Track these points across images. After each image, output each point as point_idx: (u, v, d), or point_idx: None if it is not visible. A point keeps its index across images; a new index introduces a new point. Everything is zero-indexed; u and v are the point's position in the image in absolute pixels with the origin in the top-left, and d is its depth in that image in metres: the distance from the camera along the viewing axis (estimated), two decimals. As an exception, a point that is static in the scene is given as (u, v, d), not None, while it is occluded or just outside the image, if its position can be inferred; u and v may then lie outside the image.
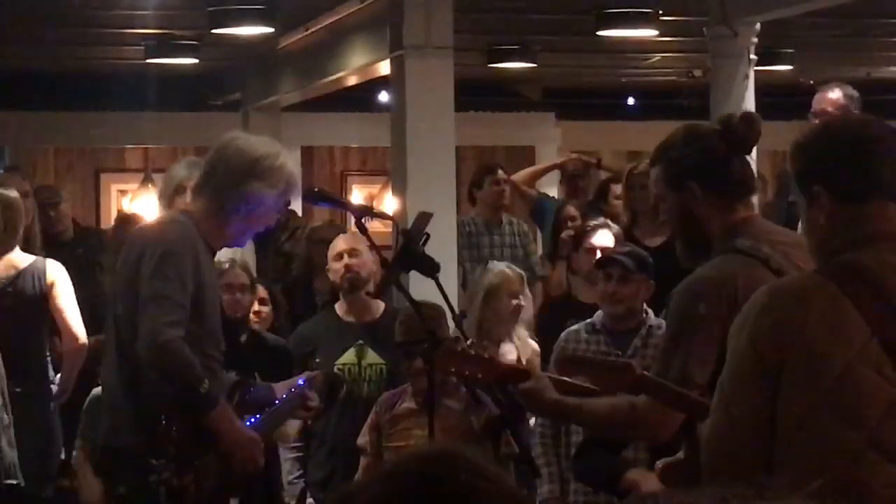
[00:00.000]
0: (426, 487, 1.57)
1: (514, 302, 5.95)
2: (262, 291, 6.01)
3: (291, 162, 4.34)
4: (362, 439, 5.19)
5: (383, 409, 5.15)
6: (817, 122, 6.15)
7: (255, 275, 6.05)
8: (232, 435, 4.11)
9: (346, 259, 5.89)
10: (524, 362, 5.67)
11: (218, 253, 6.90)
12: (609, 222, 6.52)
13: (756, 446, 2.74)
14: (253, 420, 4.30)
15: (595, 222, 6.46)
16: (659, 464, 3.26)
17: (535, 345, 6.01)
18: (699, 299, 3.26)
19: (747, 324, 2.76)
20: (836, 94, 6.46)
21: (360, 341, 5.89)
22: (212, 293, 4.22)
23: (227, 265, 5.73)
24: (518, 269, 6.25)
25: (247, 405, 4.32)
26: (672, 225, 3.53)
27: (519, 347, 5.96)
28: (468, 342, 3.80)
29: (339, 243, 6.04)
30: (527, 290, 6.14)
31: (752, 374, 2.74)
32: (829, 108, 6.36)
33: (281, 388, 4.52)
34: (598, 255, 6.25)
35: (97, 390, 5.36)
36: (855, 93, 6.50)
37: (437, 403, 4.92)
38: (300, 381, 4.54)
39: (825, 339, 2.68)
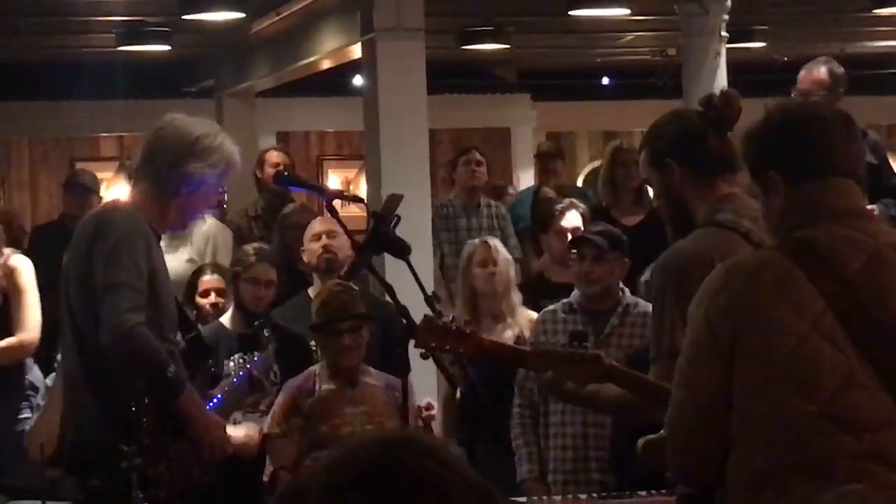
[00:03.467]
0: (383, 472, 1.55)
1: (483, 270, 5.86)
2: (218, 282, 5.95)
3: (230, 141, 4.29)
4: (273, 427, 5.06)
5: (300, 393, 5.11)
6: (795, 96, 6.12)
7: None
8: (200, 419, 4.09)
9: (324, 240, 5.86)
10: (526, 336, 5.64)
11: (194, 239, 6.93)
12: (576, 202, 6.51)
13: (715, 423, 2.76)
14: (213, 403, 4.28)
15: (562, 204, 6.45)
16: (641, 441, 3.29)
17: (531, 314, 5.84)
18: (677, 273, 3.27)
19: (703, 302, 2.80)
20: (822, 73, 6.28)
21: None
22: (164, 278, 4.19)
23: (254, 258, 5.68)
24: (493, 240, 6.16)
25: (208, 388, 4.30)
26: (661, 206, 3.55)
27: (513, 324, 5.82)
28: (450, 318, 3.79)
29: (317, 225, 6.00)
30: (504, 257, 5.95)
31: (708, 352, 2.77)
32: (814, 88, 6.23)
33: (227, 381, 4.51)
34: (568, 236, 6.27)
35: None
36: (840, 69, 6.36)
37: (357, 382, 5.06)
38: (242, 373, 4.53)
39: (780, 312, 2.70)
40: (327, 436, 4.95)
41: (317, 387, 5.13)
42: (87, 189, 8.34)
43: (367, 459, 1.57)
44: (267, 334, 5.22)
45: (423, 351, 3.83)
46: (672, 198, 3.47)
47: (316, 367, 5.24)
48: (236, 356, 4.71)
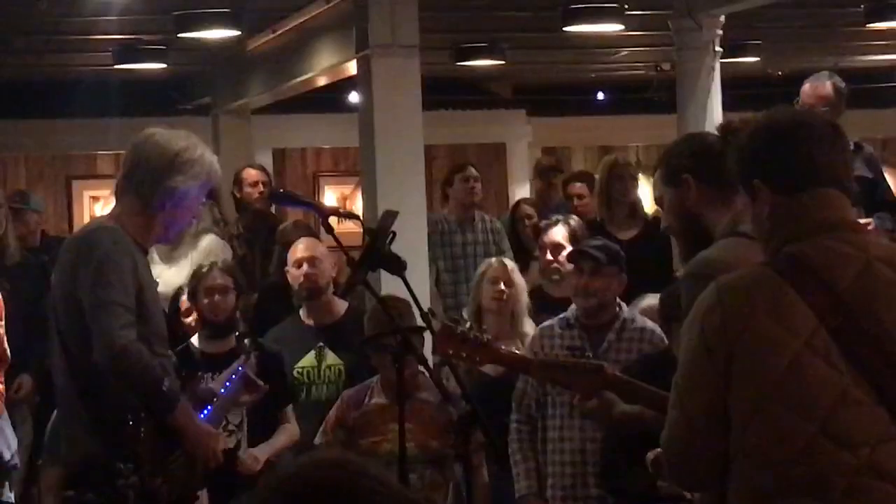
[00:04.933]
0: (313, 492, 1.56)
1: (496, 287, 5.82)
2: None
3: (210, 152, 4.32)
4: (321, 438, 5.12)
5: (349, 406, 5.11)
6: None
7: (238, 275, 5.84)
8: (194, 430, 4.12)
9: (305, 268, 5.87)
10: None
11: (195, 255, 6.92)
12: (562, 217, 6.53)
13: (712, 442, 2.76)
14: (204, 413, 4.30)
15: (547, 220, 6.49)
16: (650, 454, 3.29)
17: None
18: (707, 280, 3.26)
19: (696, 321, 2.79)
20: (826, 88, 6.25)
21: (320, 344, 5.88)
22: (151, 293, 4.21)
23: (205, 269, 5.67)
24: (508, 260, 6.14)
25: (197, 399, 4.31)
26: (672, 224, 3.54)
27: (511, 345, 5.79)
28: (468, 325, 3.82)
29: (299, 250, 5.98)
30: (518, 281, 5.92)
31: (704, 370, 2.76)
32: (818, 103, 6.16)
33: (218, 383, 4.52)
34: (548, 252, 6.30)
35: None
36: (843, 84, 6.33)
37: (410, 397, 4.93)
38: (239, 368, 4.54)
39: (773, 330, 2.69)
40: (366, 452, 4.89)
41: (367, 400, 5.11)
42: (27, 211, 8.26)
43: (299, 481, 1.59)
44: (247, 343, 5.22)
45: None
46: (686, 214, 3.47)
47: (374, 379, 5.21)
48: (206, 376, 4.70)
